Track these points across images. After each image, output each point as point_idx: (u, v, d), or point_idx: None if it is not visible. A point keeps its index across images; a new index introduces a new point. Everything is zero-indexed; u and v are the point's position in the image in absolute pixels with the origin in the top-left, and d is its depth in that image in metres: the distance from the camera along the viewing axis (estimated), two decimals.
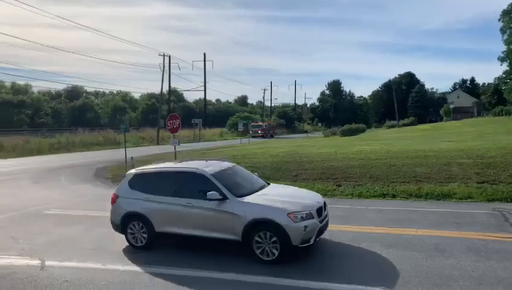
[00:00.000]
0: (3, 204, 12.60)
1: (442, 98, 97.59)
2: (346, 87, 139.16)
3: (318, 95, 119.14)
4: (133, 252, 7.66)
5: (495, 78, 72.90)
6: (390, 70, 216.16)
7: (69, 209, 11.82)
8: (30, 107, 65.36)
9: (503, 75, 61.07)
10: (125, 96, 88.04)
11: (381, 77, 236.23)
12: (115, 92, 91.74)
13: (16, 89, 70.26)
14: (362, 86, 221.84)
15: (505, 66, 57.66)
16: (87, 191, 15.42)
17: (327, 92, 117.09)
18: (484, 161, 15.05)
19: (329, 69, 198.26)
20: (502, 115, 55.15)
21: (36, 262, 7.18)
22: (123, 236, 7.92)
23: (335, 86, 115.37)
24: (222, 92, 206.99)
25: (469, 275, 6.20)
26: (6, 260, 7.31)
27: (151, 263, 7.02)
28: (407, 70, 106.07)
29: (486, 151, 16.79)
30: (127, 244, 7.99)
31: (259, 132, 58.95)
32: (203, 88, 68.15)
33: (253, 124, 61.97)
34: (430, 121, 78.47)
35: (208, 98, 78.06)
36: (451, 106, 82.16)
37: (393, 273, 6.35)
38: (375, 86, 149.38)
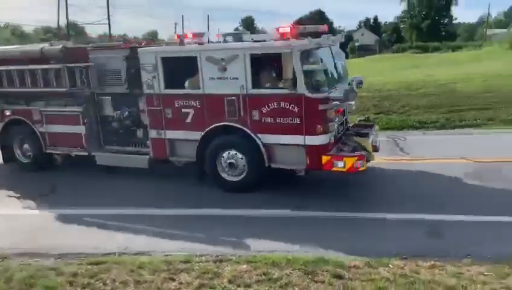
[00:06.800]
0: None
1: (348, 36, 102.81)
2: None
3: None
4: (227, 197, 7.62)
5: (395, 17, 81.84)
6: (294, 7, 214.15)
7: None
8: None
9: (402, 14, 69.56)
10: (15, 30, 76.23)
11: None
12: (2, 25, 78.61)
13: None
14: None
15: (404, 6, 65.39)
16: None
17: None
18: None
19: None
20: (399, 52, 59.29)
21: None
22: None
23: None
24: (129, 25, 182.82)
25: None
26: None
27: (249, 206, 7.16)
28: (316, 8, 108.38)
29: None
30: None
31: None
32: (107, 21, 60.92)
33: None
34: None
35: (113, 32, 71.27)
36: (357, 44, 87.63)
37: None
38: None
